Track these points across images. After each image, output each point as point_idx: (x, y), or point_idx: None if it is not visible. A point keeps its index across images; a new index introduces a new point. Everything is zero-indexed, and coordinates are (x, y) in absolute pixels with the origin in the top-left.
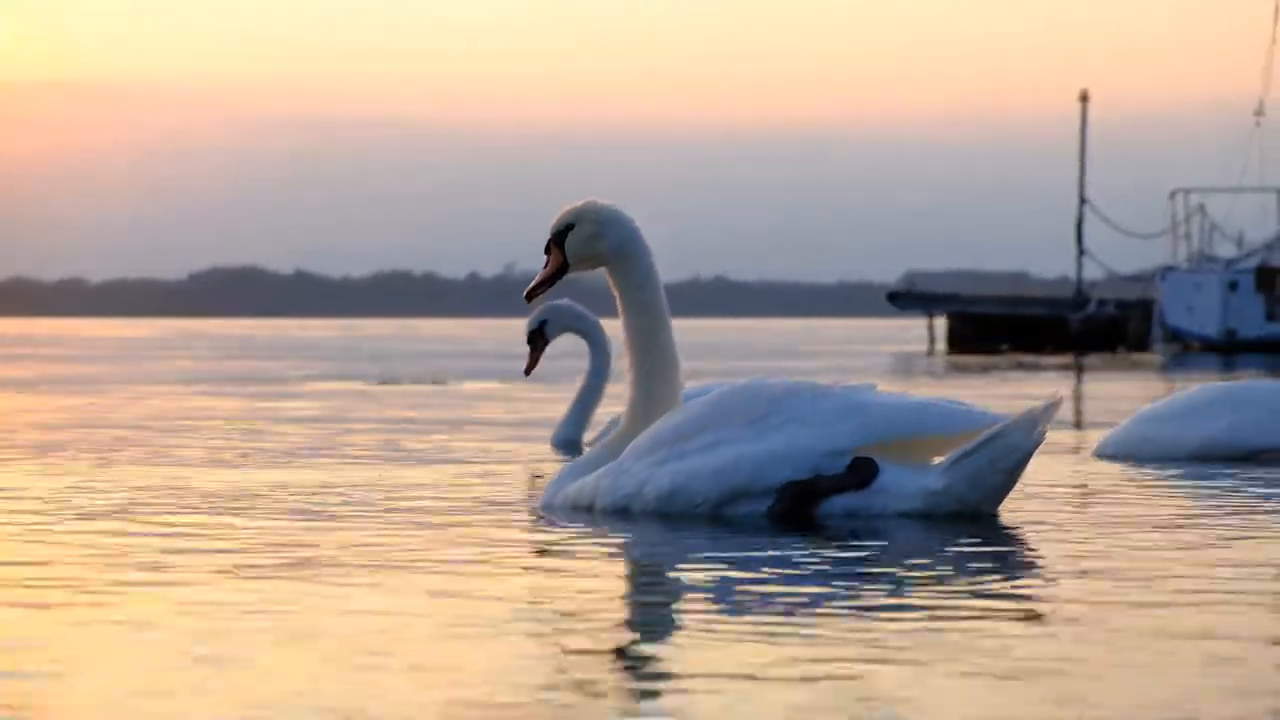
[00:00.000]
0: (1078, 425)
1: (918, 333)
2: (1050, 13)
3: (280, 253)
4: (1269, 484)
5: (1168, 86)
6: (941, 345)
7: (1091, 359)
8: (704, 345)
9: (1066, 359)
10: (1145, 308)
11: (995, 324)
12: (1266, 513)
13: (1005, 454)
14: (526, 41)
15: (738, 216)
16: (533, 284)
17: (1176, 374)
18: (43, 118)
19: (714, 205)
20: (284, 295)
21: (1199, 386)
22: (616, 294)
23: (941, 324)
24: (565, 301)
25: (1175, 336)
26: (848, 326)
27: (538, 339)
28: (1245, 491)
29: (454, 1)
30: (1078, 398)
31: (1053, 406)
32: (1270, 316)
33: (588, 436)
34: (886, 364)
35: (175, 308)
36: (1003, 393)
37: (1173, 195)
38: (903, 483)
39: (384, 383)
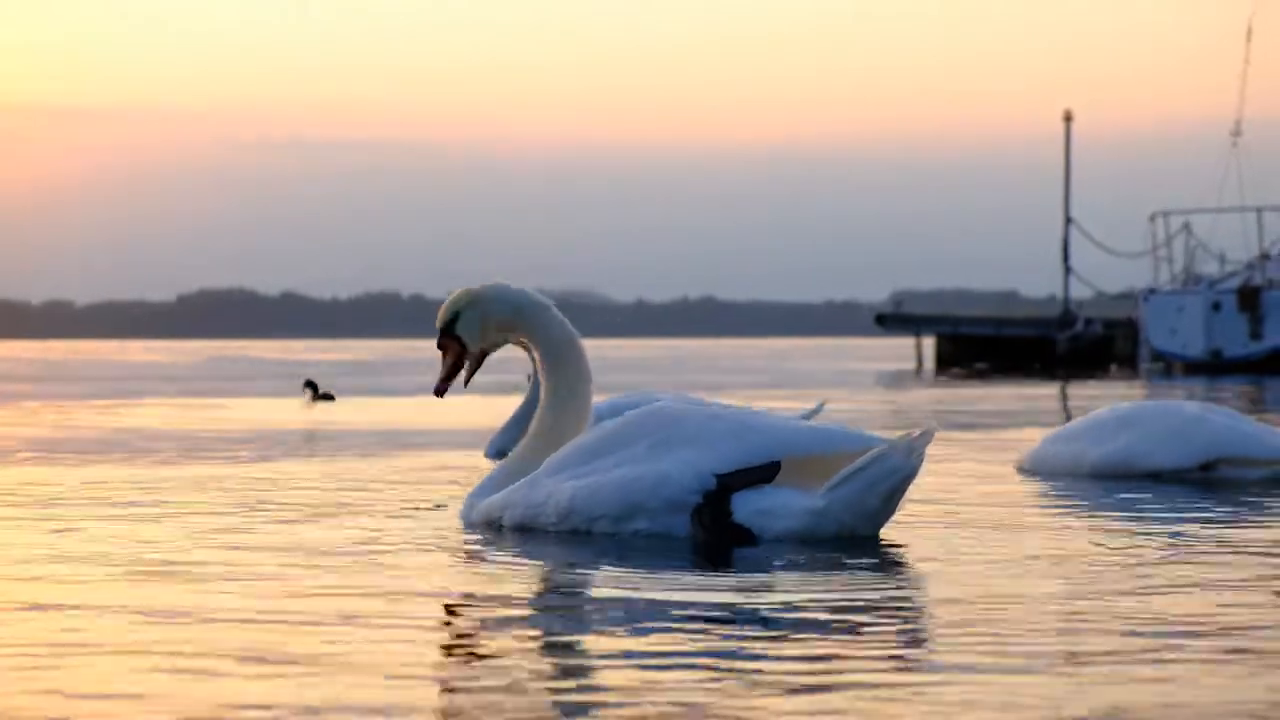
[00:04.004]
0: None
1: (906, 352)
2: (1034, 35)
3: (268, 274)
4: (1164, 503)
5: (1150, 106)
6: (930, 365)
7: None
8: (693, 365)
9: (1052, 382)
10: (1132, 326)
11: (982, 345)
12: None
13: (883, 478)
14: (516, 64)
15: (726, 236)
16: (439, 381)
17: (1161, 391)
18: (30, 141)
19: (702, 225)
20: (272, 317)
21: (1108, 407)
22: (531, 342)
23: (930, 344)
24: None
25: (1161, 358)
26: (836, 346)
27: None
28: (1136, 511)
29: (442, 25)
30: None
31: (929, 433)
32: (1254, 335)
33: None
34: (874, 384)
35: (163, 329)
36: (989, 409)
37: (1152, 218)
38: (784, 504)
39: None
